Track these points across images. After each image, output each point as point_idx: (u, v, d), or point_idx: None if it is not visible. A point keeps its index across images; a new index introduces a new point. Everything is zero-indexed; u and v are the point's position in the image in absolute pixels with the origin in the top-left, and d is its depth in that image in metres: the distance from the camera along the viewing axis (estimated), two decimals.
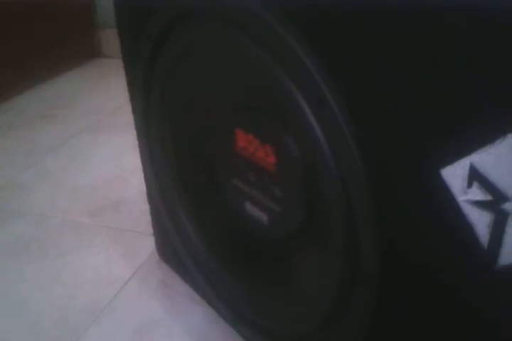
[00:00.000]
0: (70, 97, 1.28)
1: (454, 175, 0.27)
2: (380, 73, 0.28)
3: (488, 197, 0.26)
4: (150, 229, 0.67)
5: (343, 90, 0.31)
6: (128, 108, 0.57)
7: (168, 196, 0.56)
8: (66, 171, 0.93)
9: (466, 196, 0.27)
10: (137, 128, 0.57)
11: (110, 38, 1.51)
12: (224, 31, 0.38)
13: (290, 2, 0.32)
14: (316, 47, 0.31)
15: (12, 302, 0.62)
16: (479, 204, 0.27)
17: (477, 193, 0.27)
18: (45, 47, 1.36)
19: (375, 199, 0.31)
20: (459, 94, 0.25)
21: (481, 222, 0.27)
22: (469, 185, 0.27)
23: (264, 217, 0.46)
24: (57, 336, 0.57)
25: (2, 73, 1.22)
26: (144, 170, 0.60)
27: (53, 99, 1.28)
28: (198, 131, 0.50)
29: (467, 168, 0.26)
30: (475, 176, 0.26)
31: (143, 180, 0.62)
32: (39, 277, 0.66)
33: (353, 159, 0.31)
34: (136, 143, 0.59)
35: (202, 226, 0.54)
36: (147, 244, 0.70)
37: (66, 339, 0.57)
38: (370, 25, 0.28)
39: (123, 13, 0.51)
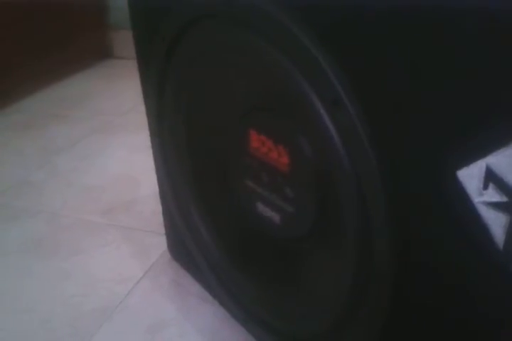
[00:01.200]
0: (81, 98, 1.29)
1: (470, 176, 0.27)
2: (395, 73, 0.28)
3: (504, 199, 0.26)
4: (161, 229, 0.68)
5: (358, 90, 0.31)
6: (139, 109, 0.57)
7: (180, 196, 0.57)
8: (78, 171, 0.94)
9: (482, 197, 0.27)
10: (150, 128, 0.57)
11: (122, 39, 1.52)
12: (238, 32, 0.38)
13: (304, 2, 0.32)
14: (331, 46, 0.31)
15: (24, 300, 0.63)
16: (495, 205, 0.27)
17: (493, 195, 0.27)
18: (57, 47, 1.37)
19: (390, 199, 0.31)
20: (474, 94, 0.25)
21: (496, 223, 0.27)
22: (485, 187, 0.27)
23: (276, 217, 0.46)
24: (70, 334, 0.58)
25: (15, 74, 1.23)
26: (157, 170, 0.60)
27: (65, 99, 1.29)
28: (211, 131, 0.51)
29: (483, 170, 0.26)
30: (491, 178, 0.26)
31: (154, 181, 0.62)
32: (51, 275, 0.67)
33: (368, 159, 0.31)
34: (148, 143, 0.59)
35: (214, 225, 0.55)
36: (159, 243, 0.71)
37: (78, 337, 0.57)
38: (384, 25, 0.28)
39: (137, 14, 0.51)
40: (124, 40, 1.49)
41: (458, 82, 0.26)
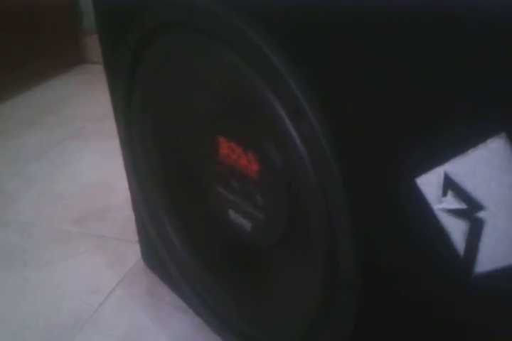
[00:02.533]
0: (56, 104, 1.28)
1: (429, 183, 0.27)
2: (356, 82, 0.28)
3: (463, 206, 0.27)
4: (135, 237, 0.67)
5: (321, 99, 0.31)
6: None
7: (152, 204, 0.56)
8: (51, 179, 0.92)
9: (441, 204, 0.27)
10: (120, 137, 0.57)
11: (96, 44, 1.50)
12: (201, 41, 0.38)
13: (267, 12, 0.32)
14: (293, 56, 0.31)
15: None
16: (454, 212, 0.27)
17: (452, 201, 0.27)
18: (31, 53, 1.35)
19: (353, 209, 0.31)
20: (431, 102, 0.26)
21: (456, 229, 0.27)
22: (444, 194, 0.27)
23: (247, 225, 0.46)
24: None
25: None
26: (128, 178, 0.60)
27: (39, 105, 1.27)
28: (180, 139, 0.50)
29: (441, 177, 0.27)
30: (449, 185, 0.27)
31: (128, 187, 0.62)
32: (22, 286, 0.65)
33: (331, 169, 0.31)
34: None
35: (186, 234, 0.54)
36: (133, 251, 0.70)
37: None
38: (346, 34, 0.28)
39: (103, 22, 0.51)
40: (99, 45, 1.47)
41: (416, 91, 0.26)
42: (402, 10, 0.25)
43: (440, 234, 0.27)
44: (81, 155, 1.01)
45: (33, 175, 0.94)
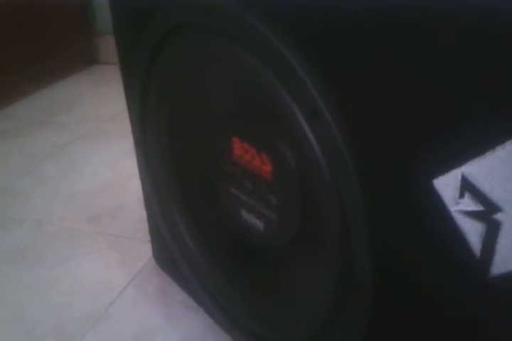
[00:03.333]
0: (68, 104, 1.29)
1: (446, 185, 0.27)
2: (374, 83, 0.29)
3: (480, 208, 0.27)
4: (147, 236, 0.67)
5: (338, 100, 0.31)
6: (126, 114, 0.57)
7: (165, 203, 0.57)
8: (63, 178, 0.93)
9: (458, 206, 0.27)
10: (134, 136, 0.57)
11: (108, 45, 1.52)
12: (218, 41, 0.38)
13: (285, 13, 0.32)
14: (311, 57, 0.31)
15: (8, 309, 0.62)
16: (471, 214, 0.27)
17: (469, 203, 0.27)
18: (43, 53, 1.37)
19: (369, 209, 0.31)
20: (450, 103, 0.26)
21: (473, 231, 0.27)
22: (461, 196, 0.27)
23: (260, 225, 0.46)
24: None
25: (0, 80, 1.22)
26: (141, 178, 0.60)
27: (51, 105, 1.28)
28: (195, 139, 0.51)
29: (459, 179, 0.27)
30: (466, 187, 0.27)
31: (140, 187, 0.62)
32: (36, 284, 0.66)
33: (347, 170, 0.31)
34: (134, 149, 0.59)
35: (199, 233, 0.55)
36: (145, 250, 0.71)
37: None
38: (364, 35, 0.28)
39: (120, 22, 0.51)
40: (111, 46, 1.48)
41: (434, 92, 0.26)
42: (425, 11, 0.25)
43: (456, 235, 0.28)
44: (93, 154, 1.02)
45: (45, 174, 0.95)
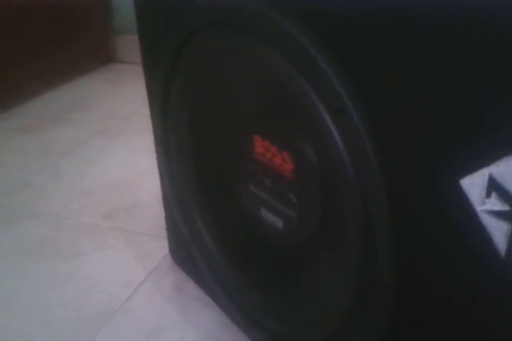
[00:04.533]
0: (85, 101, 1.30)
1: (473, 185, 0.27)
2: (401, 83, 0.29)
3: (507, 208, 0.27)
4: (164, 233, 0.68)
5: (364, 99, 0.31)
6: (142, 112, 0.58)
7: (184, 201, 0.57)
8: (80, 174, 0.94)
9: (485, 206, 0.27)
10: (155, 133, 0.58)
11: (125, 44, 1.53)
12: (245, 39, 0.39)
13: (314, 13, 0.33)
14: (337, 55, 0.32)
15: (25, 302, 0.63)
16: (497, 214, 0.27)
17: (495, 203, 0.27)
18: (60, 51, 1.38)
19: (393, 208, 0.31)
20: (477, 104, 0.26)
21: (498, 231, 0.27)
22: (488, 195, 0.27)
23: (279, 223, 0.47)
24: (70, 337, 0.58)
25: (18, 76, 1.24)
26: (161, 175, 0.61)
27: (68, 102, 1.29)
28: (216, 137, 0.51)
29: (486, 179, 0.27)
30: (493, 186, 0.27)
31: (157, 184, 0.63)
32: (52, 278, 0.67)
33: (372, 168, 0.31)
34: (151, 147, 0.60)
35: (217, 231, 0.55)
36: (161, 247, 0.71)
37: (78, 340, 0.57)
38: (391, 36, 0.28)
39: (144, 22, 0.52)
40: (128, 45, 1.50)
41: (462, 92, 0.26)
42: (456, 11, 0.25)
43: (482, 235, 0.28)
44: (109, 152, 1.03)
45: (62, 170, 0.96)
